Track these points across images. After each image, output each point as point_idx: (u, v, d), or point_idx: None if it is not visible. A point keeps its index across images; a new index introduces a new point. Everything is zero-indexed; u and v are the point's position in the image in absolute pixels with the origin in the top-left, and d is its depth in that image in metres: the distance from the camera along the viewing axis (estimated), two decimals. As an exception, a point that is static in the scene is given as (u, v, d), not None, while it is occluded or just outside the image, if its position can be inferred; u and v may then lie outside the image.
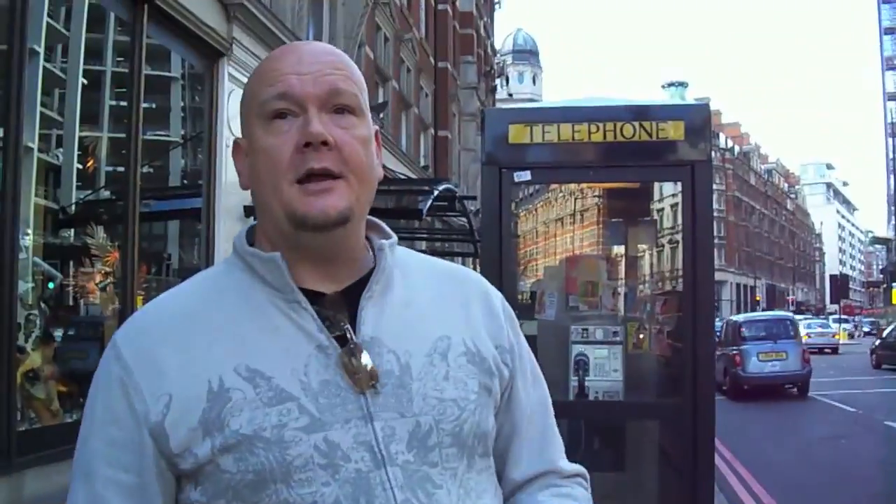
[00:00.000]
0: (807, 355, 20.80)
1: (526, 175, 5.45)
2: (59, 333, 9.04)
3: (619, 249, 6.78)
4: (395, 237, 1.49)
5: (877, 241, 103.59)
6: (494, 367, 1.46)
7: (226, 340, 1.33)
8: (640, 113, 5.44)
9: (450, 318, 1.46)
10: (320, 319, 1.35)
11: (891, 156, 71.13)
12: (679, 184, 5.49)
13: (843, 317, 63.05)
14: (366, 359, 1.33)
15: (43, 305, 9.01)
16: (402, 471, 1.30)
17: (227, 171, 11.94)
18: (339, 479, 1.26)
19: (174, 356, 1.31)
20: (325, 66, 1.38)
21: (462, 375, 1.39)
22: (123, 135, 9.76)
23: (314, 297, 1.37)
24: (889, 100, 76.68)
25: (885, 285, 67.24)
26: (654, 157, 5.47)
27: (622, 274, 6.47)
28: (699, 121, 5.49)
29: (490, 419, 1.44)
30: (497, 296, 1.57)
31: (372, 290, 1.40)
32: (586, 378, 5.49)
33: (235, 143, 1.47)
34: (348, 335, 1.34)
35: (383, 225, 1.53)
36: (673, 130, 5.31)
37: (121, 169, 10.14)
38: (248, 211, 12.76)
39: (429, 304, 1.46)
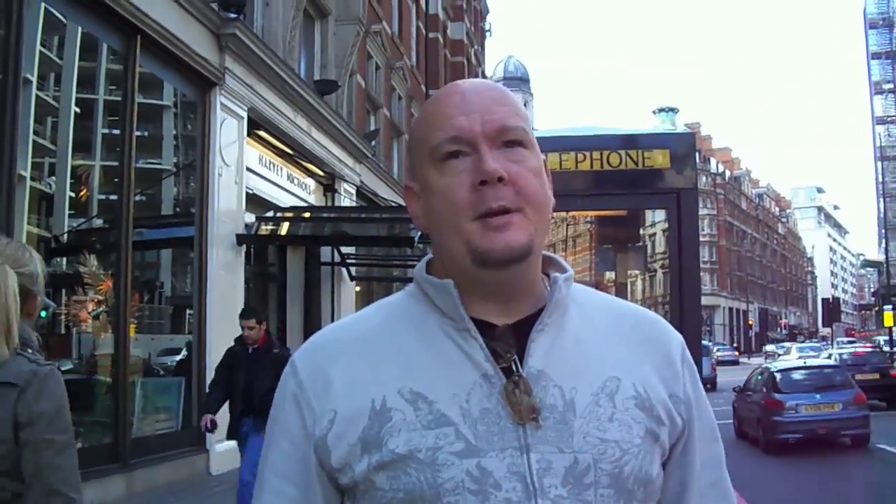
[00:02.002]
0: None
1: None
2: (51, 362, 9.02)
3: (611, 275, 6.80)
4: (571, 272, 1.46)
5: (868, 264, 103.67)
6: (665, 416, 1.41)
7: (394, 362, 1.35)
8: (626, 142, 5.50)
9: (622, 359, 1.41)
10: (489, 350, 1.34)
11: (880, 179, 71.35)
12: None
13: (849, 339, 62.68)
14: (529, 391, 1.31)
15: (36, 334, 9.00)
16: None
17: (220, 200, 11.98)
18: None
19: (342, 375, 1.35)
20: (491, 102, 1.37)
21: (628, 419, 1.35)
22: (116, 163, 9.81)
23: (486, 328, 1.36)
24: (878, 124, 76.93)
25: (876, 308, 67.23)
26: (641, 184, 5.51)
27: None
28: (684, 148, 5.55)
29: (655, 466, 1.39)
30: (678, 343, 1.51)
31: (544, 323, 1.37)
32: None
33: (407, 187, 1.47)
34: (514, 367, 1.33)
35: (561, 260, 1.50)
36: (659, 158, 5.36)
37: (113, 197, 10.18)
38: (241, 239, 12.80)
39: (602, 343, 1.42)
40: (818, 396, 16.07)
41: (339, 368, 1.36)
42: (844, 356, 26.25)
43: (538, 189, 1.36)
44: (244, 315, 8.02)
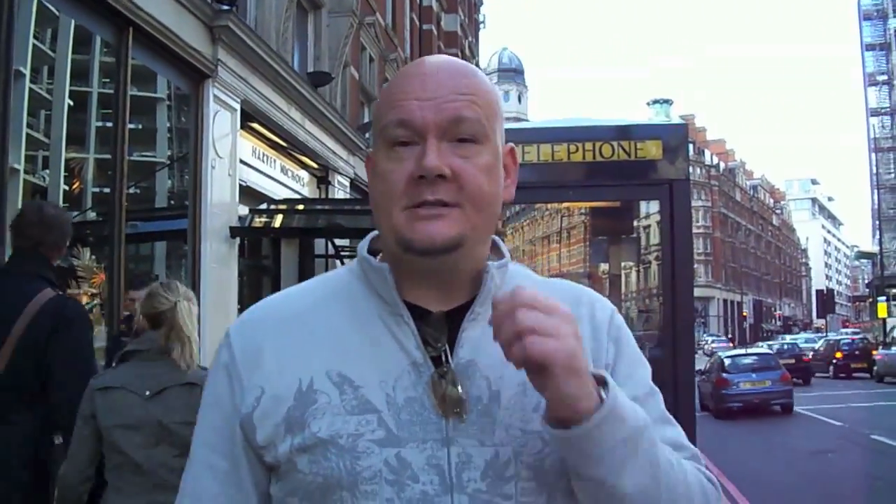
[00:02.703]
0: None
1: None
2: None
3: (605, 266, 6.81)
4: (506, 258, 1.45)
5: (862, 255, 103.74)
6: None
7: (324, 344, 1.34)
8: (618, 133, 5.51)
9: None
10: (420, 337, 1.33)
11: (874, 171, 71.40)
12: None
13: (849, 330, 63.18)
14: (457, 384, 1.30)
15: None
16: (471, 499, 1.27)
17: (213, 192, 11.97)
18: (403, 498, 1.25)
19: (274, 352, 1.34)
20: (450, 91, 1.32)
21: None
22: (109, 156, 9.79)
23: (422, 314, 1.35)
24: (872, 115, 77.03)
25: (870, 299, 67.29)
26: (633, 175, 5.53)
27: (606, 291, 6.51)
28: (677, 140, 5.56)
29: None
30: (605, 310, 1.49)
31: (475, 312, 1.36)
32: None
33: (368, 158, 1.44)
34: (444, 357, 1.32)
35: (501, 245, 1.48)
36: (651, 149, 5.37)
37: (107, 190, 10.16)
38: (234, 232, 12.80)
39: None
40: (754, 375, 22.33)
41: (272, 345, 1.35)
42: (775, 346, 37.23)
43: (483, 187, 1.32)
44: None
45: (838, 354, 35.21)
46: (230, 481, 1.35)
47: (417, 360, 1.32)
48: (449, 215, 1.30)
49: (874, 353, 34.11)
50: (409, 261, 1.34)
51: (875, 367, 32.11)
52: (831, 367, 35.27)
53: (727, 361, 23.68)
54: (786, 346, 37.86)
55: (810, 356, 35.82)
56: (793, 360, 30.57)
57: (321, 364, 1.32)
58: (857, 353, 35.07)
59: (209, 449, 1.37)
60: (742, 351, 28.66)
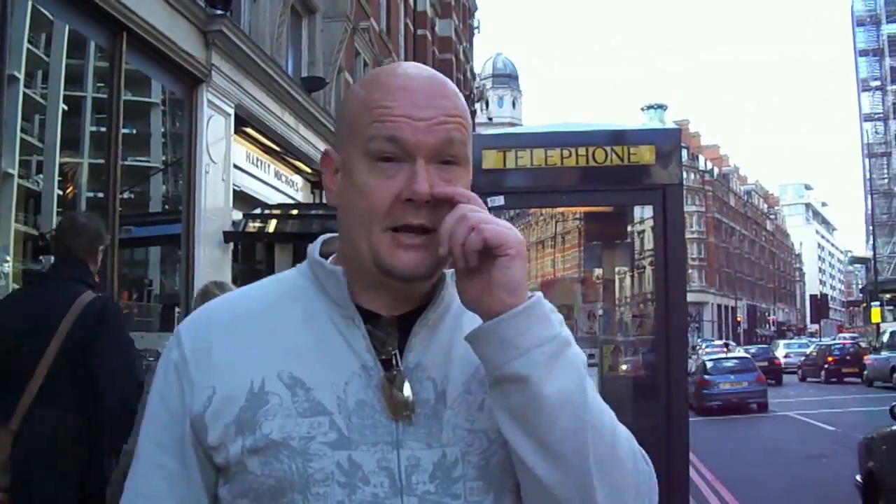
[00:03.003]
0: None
1: (499, 200, 5.49)
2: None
3: (599, 272, 6.82)
4: None
5: (856, 260, 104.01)
6: None
7: (276, 345, 1.34)
8: (611, 137, 5.51)
9: None
10: (371, 340, 1.35)
11: (868, 176, 71.59)
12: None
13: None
14: (406, 388, 1.32)
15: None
16: (420, 501, 1.29)
17: (207, 197, 11.96)
18: (354, 500, 1.27)
19: (226, 352, 1.33)
20: (440, 111, 1.32)
21: None
22: (103, 161, 9.79)
23: (372, 317, 1.36)
24: (865, 121, 77.15)
25: (864, 304, 67.50)
26: (626, 180, 5.53)
27: (600, 296, 6.52)
28: (670, 145, 5.57)
29: None
30: None
31: (427, 318, 1.38)
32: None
33: (326, 154, 1.42)
34: (394, 360, 1.34)
35: None
36: (644, 154, 5.38)
37: (101, 195, 10.15)
38: (228, 237, 12.79)
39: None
40: (732, 377, 24.67)
41: (223, 345, 1.35)
42: (752, 350, 40.19)
43: None
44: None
45: (830, 359, 36.04)
46: (180, 481, 1.34)
47: (367, 363, 1.34)
48: (430, 244, 1.30)
49: (865, 358, 34.69)
50: (378, 277, 1.33)
51: (865, 372, 32.77)
52: (823, 372, 36.02)
53: (709, 364, 26.23)
54: (759, 351, 41.32)
55: (782, 361, 40.65)
56: (766, 363, 33.18)
57: (273, 365, 1.32)
58: (848, 358, 35.75)
59: (157, 447, 1.35)
60: (722, 355, 31.61)
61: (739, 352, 36.84)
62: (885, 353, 31.44)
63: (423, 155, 1.30)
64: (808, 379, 36.91)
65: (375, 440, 1.30)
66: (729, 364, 26.07)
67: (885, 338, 33.26)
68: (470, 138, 1.37)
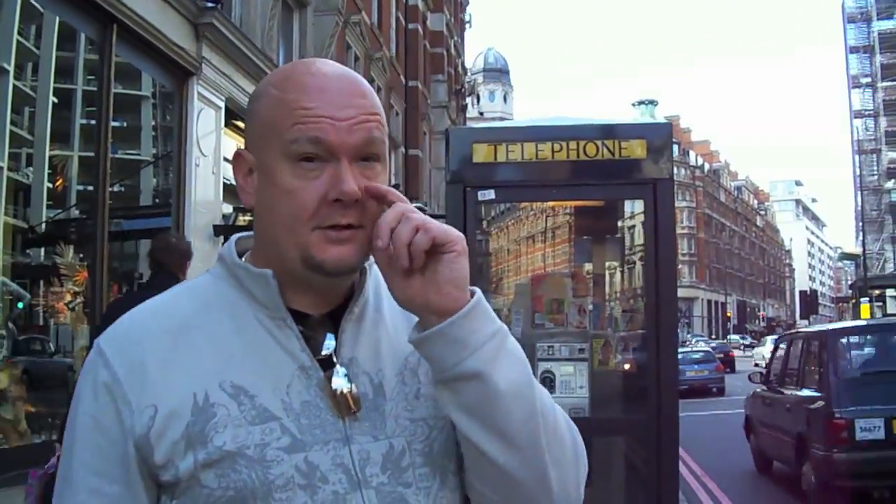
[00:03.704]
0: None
1: (490, 194, 5.49)
2: (27, 353, 9.00)
3: (589, 266, 6.82)
4: (372, 259, 1.43)
5: (845, 256, 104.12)
6: None
7: (211, 354, 1.31)
8: (603, 132, 5.50)
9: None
10: (304, 340, 1.34)
11: (858, 172, 71.75)
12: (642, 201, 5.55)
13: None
14: (350, 382, 1.34)
15: (11, 325, 8.97)
16: (377, 493, 1.31)
17: (197, 190, 11.94)
18: (316, 500, 1.27)
19: (160, 367, 1.29)
20: (360, 110, 1.33)
21: (432, 392, 1.36)
22: (93, 153, 9.76)
23: (300, 317, 1.36)
24: (856, 117, 77.33)
25: (853, 301, 67.57)
26: (617, 175, 5.53)
27: (590, 291, 6.51)
28: (661, 139, 5.56)
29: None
30: None
31: (353, 312, 1.39)
32: (552, 395, 5.51)
33: (238, 153, 1.41)
34: (334, 358, 1.35)
35: None
36: (635, 149, 5.37)
37: (91, 188, 10.12)
38: (218, 230, 12.76)
39: (394, 321, 1.45)
40: (696, 366, 29.74)
41: (156, 360, 1.30)
42: (713, 345, 48.34)
43: (380, 208, 1.33)
44: None
45: None
46: None
47: (305, 363, 1.33)
48: (356, 238, 1.32)
49: None
50: (304, 276, 1.34)
51: None
52: None
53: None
54: (719, 346, 49.22)
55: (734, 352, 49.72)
56: (722, 355, 38.91)
57: (212, 375, 1.30)
58: None
59: (93, 474, 1.29)
60: (690, 348, 35.81)
61: (702, 346, 41.91)
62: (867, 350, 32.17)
63: (346, 155, 1.30)
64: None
65: (326, 439, 1.31)
66: (695, 356, 31.32)
67: None
68: (386, 133, 1.39)
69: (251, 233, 1.47)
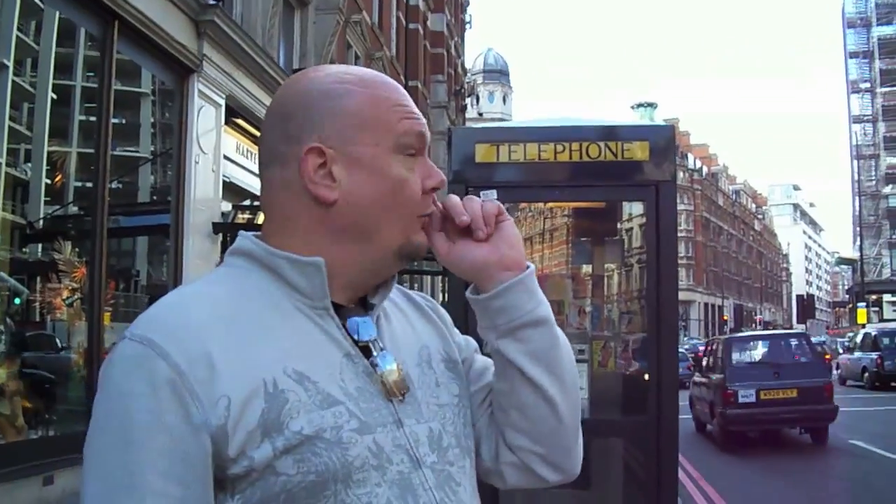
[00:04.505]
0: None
1: (492, 194, 5.43)
2: (24, 349, 8.98)
3: (588, 268, 6.81)
4: None
5: (843, 261, 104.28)
6: (462, 369, 1.57)
7: (266, 342, 1.30)
8: (605, 133, 5.49)
9: (418, 327, 1.56)
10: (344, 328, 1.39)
11: (856, 177, 71.88)
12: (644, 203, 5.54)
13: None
14: (397, 368, 1.40)
15: (8, 321, 8.95)
16: (433, 471, 1.37)
17: (196, 188, 11.93)
18: (387, 481, 1.31)
19: (223, 356, 1.26)
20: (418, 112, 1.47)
21: (447, 381, 1.50)
22: (92, 150, 9.74)
23: (334, 308, 1.40)
24: (854, 122, 77.54)
25: (850, 305, 67.74)
26: (620, 176, 5.52)
27: (588, 293, 6.51)
28: (664, 141, 5.54)
29: (469, 419, 1.53)
30: (434, 301, 1.69)
31: (381, 305, 1.48)
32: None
33: (316, 149, 1.38)
34: (376, 345, 1.41)
35: None
36: (638, 151, 5.36)
37: (89, 184, 10.11)
38: (217, 228, 12.75)
39: (401, 316, 1.54)
40: None
41: (218, 349, 1.26)
42: (686, 346, 45.73)
43: None
44: None
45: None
46: None
47: (350, 350, 1.37)
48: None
49: (828, 357, 36.19)
50: (385, 264, 1.45)
51: (839, 371, 33.58)
52: None
53: None
54: (691, 346, 47.42)
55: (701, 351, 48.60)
56: (693, 355, 37.61)
57: (275, 363, 1.29)
58: None
59: (159, 475, 1.20)
60: None
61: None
62: (857, 354, 32.49)
63: (426, 149, 1.47)
64: None
65: (383, 421, 1.35)
66: None
67: (858, 339, 34.03)
68: None
69: (258, 232, 1.48)
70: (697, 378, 18.80)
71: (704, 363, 18.52)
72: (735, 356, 16.81)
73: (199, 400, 1.23)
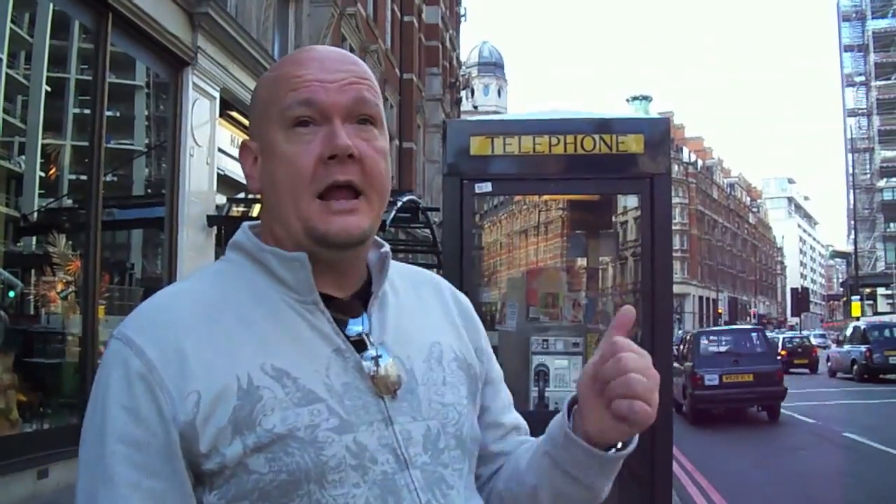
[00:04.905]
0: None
1: (486, 186, 5.47)
2: (18, 343, 8.97)
3: (582, 261, 6.81)
4: (387, 246, 1.50)
5: (837, 254, 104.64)
6: (478, 370, 1.52)
7: (246, 338, 1.29)
8: (600, 126, 5.48)
9: (435, 323, 1.50)
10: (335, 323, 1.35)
11: (850, 171, 71.81)
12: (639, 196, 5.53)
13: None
14: (390, 364, 1.35)
15: (3, 314, 8.94)
16: (422, 472, 1.32)
17: (191, 181, 11.91)
18: (368, 481, 1.27)
19: (198, 352, 1.26)
20: (350, 74, 1.36)
21: (455, 381, 1.44)
22: (87, 143, 9.72)
23: (326, 299, 1.36)
24: (849, 116, 77.62)
25: (844, 298, 67.86)
26: (614, 169, 5.50)
27: (583, 286, 6.50)
28: (658, 134, 5.53)
29: (476, 423, 1.49)
30: (460, 294, 1.63)
31: (376, 296, 1.42)
32: (546, 388, 5.51)
33: (244, 144, 1.43)
34: (368, 340, 1.36)
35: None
36: (633, 144, 5.35)
37: (84, 177, 10.09)
38: (212, 221, 12.74)
39: (415, 310, 1.49)
40: None
41: (193, 344, 1.27)
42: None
43: (383, 172, 1.37)
44: None
45: (783, 352, 38.85)
46: (166, 499, 1.23)
47: (340, 346, 1.34)
48: (360, 208, 1.34)
49: (815, 351, 40.27)
50: (313, 252, 1.34)
51: (830, 364, 35.53)
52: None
53: None
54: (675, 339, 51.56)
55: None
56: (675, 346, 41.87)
57: (252, 359, 1.28)
58: (799, 350, 39.44)
59: (132, 468, 1.22)
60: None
61: None
62: (846, 347, 33.49)
63: (338, 114, 1.33)
64: None
65: (370, 420, 1.31)
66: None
67: (848, 332, 34.89)
68: (381, 101, 1.41)
69: (259, 222, 1.47)
70: (675, 366, 20.36)
71: (678, 353, 20.97)
72: (702, 347, 20.22)
73: (170, 394, 1.23)
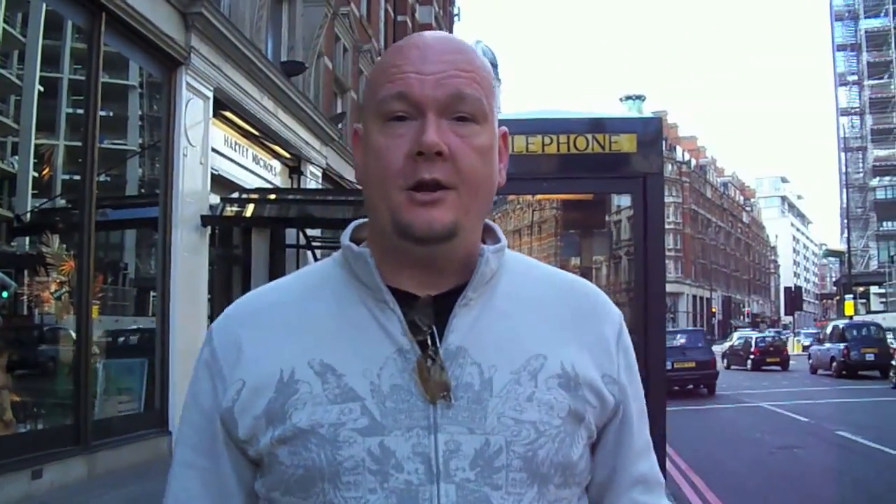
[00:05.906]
0: None
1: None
2: (12, 343, 8.96)
3: (576, 260, 6.81)
4: (503, 242, 1.40)
5: (830, 253, 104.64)
6: (594, 397, 1.35)
7: (306, 333, 1.30)
8: (593, 125, 5.49)
9: (551, 335, 1.36)
10: (407, 322, 1.29)
11: (843, 170, 71.96)
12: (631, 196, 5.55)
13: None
14: (444, 368, 1.27)
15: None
16: (458, 488, 1.23)
17: (184, 181, 11.90)
18: (386, 489, 1.22)
19: (253, 343, 1.31)
20: (451, 66, 1.28)
21: (549, 399, 1.29)
22: (80, 143, 9.72)
23: (408, 299, 1.31)
24: (842, 115, 77.70)
25: (837, 297, 68.00)
26: (607, 169, 5.52)
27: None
28: (651, 134, 5.55)
29: (577, 449, 1.32)
30: (615, 321, 1.45)
31: (467, 297, 1.32)
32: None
33: (356, 132, 1.39)
34: (430, 341, 1.28)
35: (497, 229, 1.43)
36: (625, 143, 5.37)
37: (77, 177, 10.08)
38: (206, 220, 12.73)
39: (530, 318, 1.36)
40: None
41: (251, 337, 1.33)
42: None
43: (478, 169, 1.29)
44: None
45: (755, 351, 41.49)
46: (211, 480, 1.33)
47: (404, 346, 1.28)
48: (445, 200, 1.26)
49: (785, 351, 42.50)
50: (400, 247, 1.29)
51: (811, 361, 37.48)
52: (748, 361, 41.40)
53: None
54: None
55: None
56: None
57: (302, 353, 1.28)
58: (771, 349, 41.16)
59: (190, 448, 1.35)
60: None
61: None
62: (826, 345, 35.30)
63: (432, 109, 1.26)
64: (733, 367, 42.50)
65: (410, 425, 1.25)
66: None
67: (828, 331, 36.48)
68: (490, 98, 1.32)
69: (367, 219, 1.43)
70: None
71: None
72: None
73: (225, 382, 1.32)
